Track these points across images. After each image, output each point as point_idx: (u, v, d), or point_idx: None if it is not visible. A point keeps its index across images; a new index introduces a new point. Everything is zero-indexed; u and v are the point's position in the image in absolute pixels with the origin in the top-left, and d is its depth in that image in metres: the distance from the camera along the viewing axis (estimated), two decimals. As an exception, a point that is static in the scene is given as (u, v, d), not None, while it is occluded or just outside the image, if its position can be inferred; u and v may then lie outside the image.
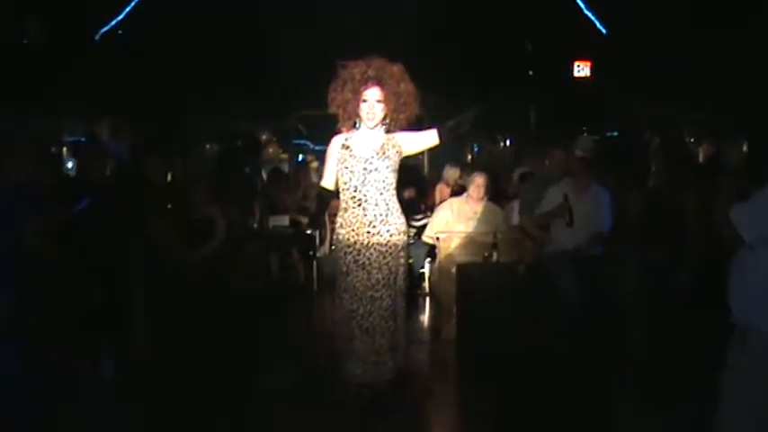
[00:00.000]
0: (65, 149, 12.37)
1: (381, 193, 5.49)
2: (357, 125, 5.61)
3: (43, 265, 5.57)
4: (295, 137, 18.68)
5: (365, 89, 5.53)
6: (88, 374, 6.65)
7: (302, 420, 5.89)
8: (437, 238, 8.77)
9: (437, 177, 12.79)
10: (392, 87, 5.53)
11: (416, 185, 11.64)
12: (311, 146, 19.33)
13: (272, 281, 10.83)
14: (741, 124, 10.98)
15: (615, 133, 15.79)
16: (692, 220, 6.86)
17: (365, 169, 5.49)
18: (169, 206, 8.93)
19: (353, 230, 5.49)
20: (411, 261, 9.91)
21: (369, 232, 5.47)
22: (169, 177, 10.37)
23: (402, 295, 5.61)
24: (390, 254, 5.50)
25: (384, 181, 5.49)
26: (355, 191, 5.49)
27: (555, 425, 5.88)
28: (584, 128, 15.31)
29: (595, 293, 6.89)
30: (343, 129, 5.65)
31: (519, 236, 8.34)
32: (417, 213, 10.80)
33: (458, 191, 10.62)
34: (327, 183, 5.71)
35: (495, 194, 9.75)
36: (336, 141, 5.65)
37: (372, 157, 5.50)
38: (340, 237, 5.57)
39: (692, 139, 12.95)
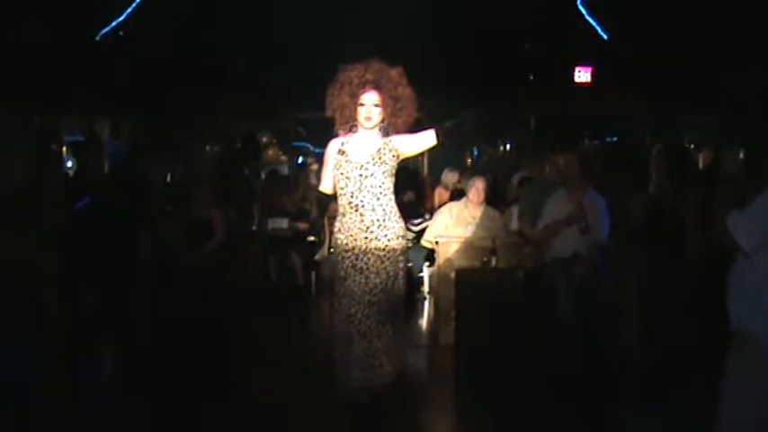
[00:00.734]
0: (65, 149, 12.37)
1: (378, 198, 5.46)
2: (354, 128, 5.58)
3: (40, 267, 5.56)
4: (295, 139, 18.70)
5: (363, 93, 5.50)
6: (89, 375, 6.64)
7: (299, 423, 5.89)
8: (436, 243, 8.76)
9: (436, 181, 12.80)
10: (390, 91, 5.51)
11: (415, 189, 11.64)
12: (311, 148, 19.35)
13: (270, 283, 10.82)
14: (739, 131, 10.97)
15: (615, 139, 15.79)
16: (692, 226, 6.84)
17: (361, 175, 5.46)
18: (168, 207, 8.93)
19: (351, 235, 5.47)
20: (410, 265, 9.91)
21: (366, 237, 5.44)
22: (168, 178, 10.38)
23: (400, 300, 5.60)
24: (388, 258, 5.47)
25: (380, 186, 5.46)
26: (352, 196, 5.46)
27: (554, 431, 5.88)
28: (585, 133, 15.32)
29: (594, 300, 6.89)
30: (341, 132, 5.63)
31: (518, 241, 8.33)
32: (416, 217, 10.79)
33: (456, 195, 10.62)
34: (325, 187, 5.70)
35: (494, 199, 9.75)
36: (333, 145, 5.63)
37: (368, 163, 5.46)
38: (338, 242, 5.55)
39: (691, 146, 12.94)
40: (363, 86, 5.50)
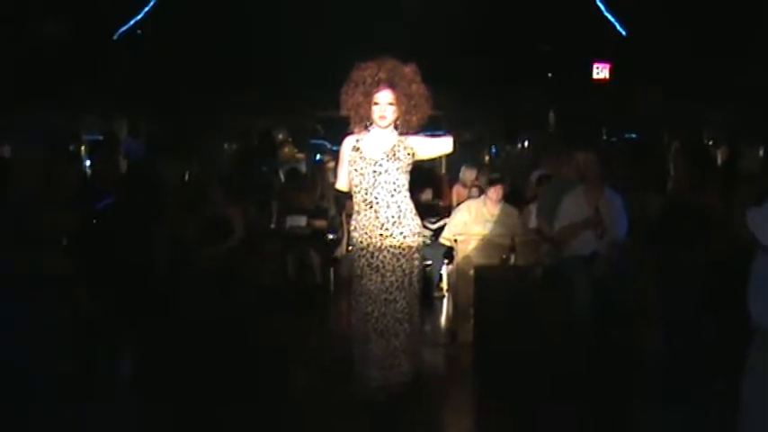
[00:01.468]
0: (83, 148, 12.42)
1: (392, 195, 5.46)
2: (369, 126, 5.57)
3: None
4: (312, 137, 18.70)
5: (376, 91, 5.49)
6: (106, 374, 6.67)
7: (316, 422, 5.88)
8: (455, 240, 8.74)
9: (453, 179, 12.76)
10: (404, 89, 5.49)
11: (433, 187, 11.62)
12: (329, 146, 19.34)
13: (289, 281, 10.82)
14: (758, 127, 10.93)
15: (634, 135, 15.74)
16: (712, 222, 6.81)
17: (375, 171, 5.45)
18: (186, 205, 8.94)
19: (366, 233, 5.47)
20: (429, 263, 9.90)
21: (381, 235, 5.43)
22: (186, 176, 10.39)
23: (417, 298, 5.58)
24: (404, 256, 5.46)
25: (395, 183, 5.45)
26: (366, 193, 5.46)
27: (572, 430, 5.86)
28: (603, 130, 15.28)
29: (613, 298, 6.86)
30: (356, 130, 5.62)
31: (536, 239, 8.31)
32: (434, 215, 10.77)
33: (475, 192, 10.60)
34: (341, 185, 5.71)
35: (513, 197, 9.72)
36: (348, 143, 5.63)
37: (382, 159, 5.46)
38: (354, 240, 5.56)
39: (710, 142, 12.90)
40: (377, 85, 5.48)
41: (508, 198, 9.21)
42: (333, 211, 11.57)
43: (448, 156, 5.81)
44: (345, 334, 5.88)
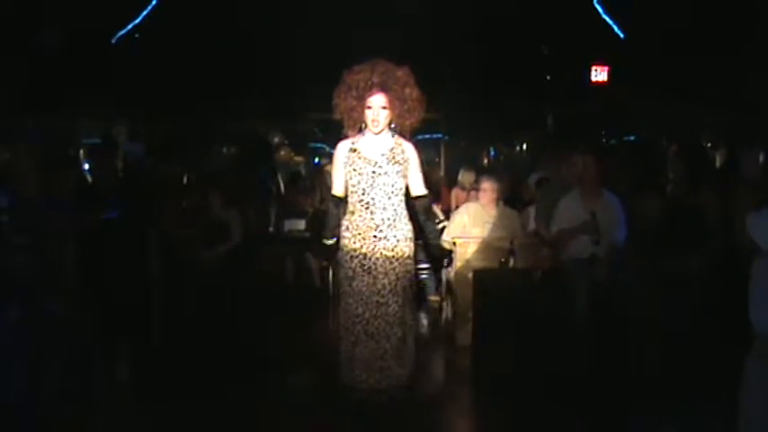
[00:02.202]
0: (81, 152, 12.41)
1: (389, 198, 5.47)
2: (363, 130, 5.57)
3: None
4: (311, 140, 18.69)
5: (369, 95, 5.48)
6: (109, 374, 6.68)
7: (306, 424, 5.87)
8: (454, 243, 8.72)
9: (452, 182, 12.74)
10: (397, 93, 5.48)
11: (431, 190, 11.57)
12: (327, 149, 19.33)
13: (287, 284, 10.81)
14: (757, 130, 10.91)
15: (632, 138, 15.74)
16: (711, 226, 6.80)
17: (374, 172, 5.46)
18: (184, 208, 8.94)
19: (360, 234, 5.47)
20: (427, 266, 9.85)
21: (375, 236, 5.45)
22: (185, 179, 10.39)
23: (409, 301, 5.58)
24: (397, 259, 5.47)
25: (393, 185, 5.47)
26: (363, 194, 5.46)
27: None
28: (602, 132, 15.28)
29: (612, 301, 6.84)
30: (350, 133, 5.62)
31: (535, 242, 8.30)
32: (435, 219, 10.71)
33: (474, 195, 10.57)
34: (337, 190, 5.70)
35: (512, 200, 9.70)
36: (343, 146, 5.62)
37: (382, 161, 5.47)
38: (346, 241, 5.54)
39: (708, 144, 12.89)
40: (370, 89, 5.48)
41: (507, 201, 9.18)
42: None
43: (422, 197, 5.74)
44: (336, 336, 5.84)
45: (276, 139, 14.73)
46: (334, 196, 5.76)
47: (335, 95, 5.58)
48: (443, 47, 13.48)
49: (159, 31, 13.46)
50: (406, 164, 5.51)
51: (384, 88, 5.48)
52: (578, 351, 6.76)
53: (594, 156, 7.72)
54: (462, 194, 11.61)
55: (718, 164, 10.94)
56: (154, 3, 13.36)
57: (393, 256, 5.47)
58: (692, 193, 7.37)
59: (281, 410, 6.20)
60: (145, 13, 13.37)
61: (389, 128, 5.56)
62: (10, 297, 5.27)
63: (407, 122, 5.57)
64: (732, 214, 6.30)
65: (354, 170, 5.49)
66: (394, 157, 5.48)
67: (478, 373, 7.52)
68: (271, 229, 11.36)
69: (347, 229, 5.55)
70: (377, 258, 5.45)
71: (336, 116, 5.62)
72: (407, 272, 5.56)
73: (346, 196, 5.62)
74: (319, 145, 19.60)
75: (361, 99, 5.49)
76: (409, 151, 5.55)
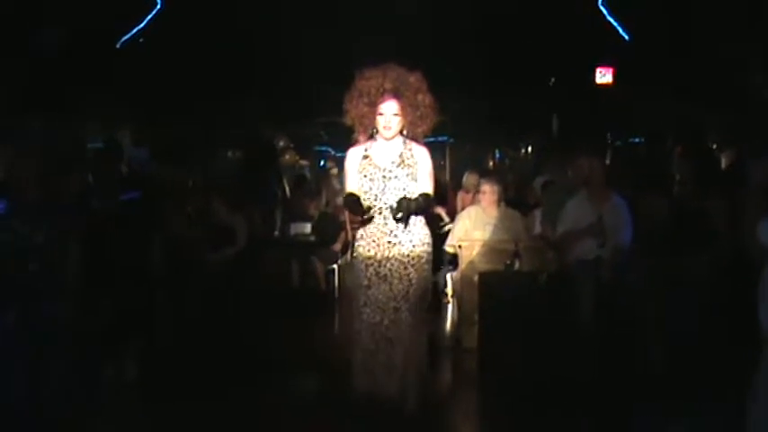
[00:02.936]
0: (86, 155, 12.40)
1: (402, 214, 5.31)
2: (374, 135, 5.48)
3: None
4: (317, 143, 18.71)
5: (381, 102, 5.38)
6: (113, 377, 6.68)
7: (312, 428, 5.84)
8: (459, 247, 8.70)
9: (458, 185, 12.72)
10: (409, 99, 5.39)
11: (437, 194, 11.55)
12: (332, 152, 19.34)
13: (292, 288, 10.80)
14: (764, 131, 10.88)
15: (637, 140, 15.71)
16: (719, 228, 6.78)
17: (384, 177, 5.37)
18: (190, 212, 8.94)
19: (374, 241, 5.38)
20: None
21: (390, 242, 5.35)
22: (190, 183, 10.39)
23: (424, 308, 5.51)
24: (413, 265, 5.37)
25: (404, 189, 5.36)
26: (375, 199, 5.37)
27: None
28: (607, 134, 15.25)
29: (618, 304, 6.82)
30: (361, 139, 5.55)
31: (541, 245, 8.28)
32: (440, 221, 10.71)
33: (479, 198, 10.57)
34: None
35: (517, 202, 9.68)
36: (354, 152, 5.53)
37: (392, 165, 5.39)
38: (360, 248, 5.45)
39: (714, 145, 12.86)
40: (382, 95, 5.38)
41: (512, 203, 9.16)
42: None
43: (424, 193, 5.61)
44: (348, 342, 5.80)
45: (281, 143, 14.74)
46: (347, 205, 5.69)
47: (346, 101, 5.48)
48: (448, 49, 13.45)
49: (164, 35, 13.45)
50: (416, 166, 5.42)
51: (396, 95, 5.37)
52: (584, 353, 6.74)
53: (599, 158, 7.70)
54: (467, 197, 11.60)
55: (723, 165, 10.93)
56: (158, 7, 13.35)
57: (408, 262, 5.36)
58: (699, 194, 7.34)
59: (286, 414, 6.19)
60: (149, 17, 13.37)
61: (401, 134, 5.47)
62: (11, 299, 5.26)
63: (420, 129, 5.47)
64: (739, 215, 6.27)
65: (366, 176, 5.40)
66: (404, 161, 5.40)
67: (484, 375, 7.50)
68: (276, 232, 11.36)
69: (361, 236, 5.46)
70: (392, 264, 5.35)
71: (347, 122, 5.51)
72: (424, 277, 5.46)
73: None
74: (324, 148, 19.63)
75: (373, 105, 5.39)
76: (419, 155, 5.46)
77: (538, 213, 8.98)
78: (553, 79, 16.35)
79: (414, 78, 5.43)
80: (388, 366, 5.38)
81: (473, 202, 10.57)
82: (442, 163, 16.29)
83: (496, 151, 19.66)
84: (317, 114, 16.06)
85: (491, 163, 18.90)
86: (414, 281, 5.38)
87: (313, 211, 11.64)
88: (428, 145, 5.63)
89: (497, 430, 6.19)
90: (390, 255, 5.36)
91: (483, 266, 8.26)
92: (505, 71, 14.88)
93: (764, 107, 11.22)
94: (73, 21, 11.64)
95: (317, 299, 10.86)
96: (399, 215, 5.26)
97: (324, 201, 12.32)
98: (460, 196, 12.00)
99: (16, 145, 6.06)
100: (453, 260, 9.58)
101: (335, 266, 11.26)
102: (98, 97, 12.21)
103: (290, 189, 12.42)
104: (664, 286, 6.76)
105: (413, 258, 5.38)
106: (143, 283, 7.07)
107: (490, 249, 8.40)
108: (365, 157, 5.46)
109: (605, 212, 7.24)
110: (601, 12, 14.40)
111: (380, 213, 5.38)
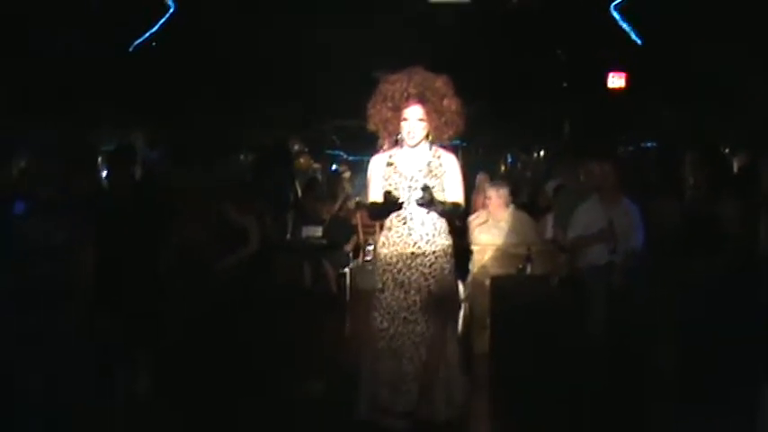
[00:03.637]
0: (100, 159, 12.43)
1: (428, 212, 5.26)
2: (399, 142, 5.36)
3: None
4: (329, 147, 18.72)
5: (406, 107, 5.26)
6: (125, 380, 6.70)
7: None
8: (470, 251, 8.69)
9: (469, 189, 12.70)
10: (435, 105, 5.26)
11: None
12: (345, 156, 19.37)
13: (303, 292, 10.81)
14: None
15: (649, 144, 15.70)
16: (731, 232, 6.76)
17: (410, 186, 5.26)
18: (201, 215, 8.95)
19: (397, 250, 5.27)
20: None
21: (413, 253, 5.23)
22: (203, 186, 10.41)
23: (451, 319, 5.41)
24: (433, 276, 5.27)
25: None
26: (400, 209, 5.27)
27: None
28: (619, 139, 15.24)
29: (629, 309, 6.81)
30: (386, 145, 5.44)
31: (553, 249, 8.27)
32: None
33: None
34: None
35: (529, 206, 9.68)
36: (379, 160, 5.43)
37: (419, 173, 5.28)
38: (381, 255, 5.35)
39: (726, 150, 12.84)
40: (406, 100, 5.25)
41: (524, 207, 9.15)
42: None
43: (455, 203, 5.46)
44: (357, 349, 5.78)
45: (296, 147, 14.76)
46: (371, 214, 5.64)
47: (370, 105, 5.37)
48: (460, 53, 13.45)
49: (178, 39, 13.48)
50: (443, 176, 5.31)
51: (421, 99, 5.25)
52: (596, 358, 6.73)
53: (611, 162, 7.69)
54: (479, 199, 11.59)
55: (735, 169, 10.90)
56: (171, 11, 13.38)
57: (429, 273, 5.25)
58: (711, 198, 7.33)
59: (293, 417, 6.19)
60: (162, 21, 13.40)
61: (427, 140, 5.36)
62: (24, 303, 5.27)
63: (445, 135, 5.35)
64: (753, 221, 6.26)
65: (390, 185, 5.27)
66: (431, 171, 5.29)
67: (496, 380, 7.49)
68: (288, 236, 11.37)
69: (383, 244, 5.36)
70: (411, 273, 5.24)
71: (371, 127, 5.40)
72: (446, 289, 5.38)
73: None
74: (337, 152, 19.65)
75: (397, 110, 5.27)
76: (447, 163, 5.36)
77: (550, 217, 8.96)
78: (565, 84, 16.34)
79: (440, 83, 5.32)
80: (390, 378, 5.27)
81: (485, 204, 10.58)
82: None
83: (509, 155, 19.64)
84: (329, 118, 16.09)
85: (503, 167, 18.88)
86: (434, 292, 5.27)
87: (325, 214, 11.64)
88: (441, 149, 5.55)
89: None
90: (412, 264, 5.25)
91: (495, 271, 8.26)
92: (518, 76, 14.88)
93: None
94: (87, 24, 11.69)
95: (329, 302, 10.86)
96: (422, 200, 5.16)
97: (336, 205, 12.33)
98: (473, 198, 11.99)
99: (32, 146, 6.08)
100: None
101: (347, 270, 11.27)
102: (112, 100, 12.25)
103: (302, 192, 12.43)
104: (676, 291, 6.74)
105: (434, 269, 5.27)
106: (155, 284, 7.08)
107: (501, 253, 8.40)
108: (389, 164, 5.36)
109: (617, 217, 7.22)
110: (613, 16, 14.39)
111: (405, 224, 5.28)
